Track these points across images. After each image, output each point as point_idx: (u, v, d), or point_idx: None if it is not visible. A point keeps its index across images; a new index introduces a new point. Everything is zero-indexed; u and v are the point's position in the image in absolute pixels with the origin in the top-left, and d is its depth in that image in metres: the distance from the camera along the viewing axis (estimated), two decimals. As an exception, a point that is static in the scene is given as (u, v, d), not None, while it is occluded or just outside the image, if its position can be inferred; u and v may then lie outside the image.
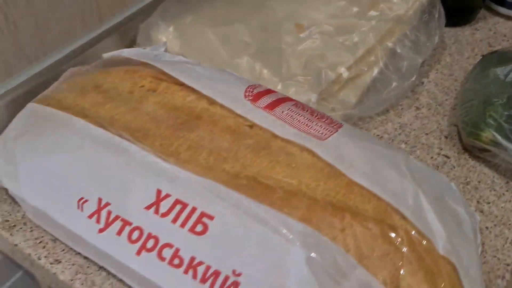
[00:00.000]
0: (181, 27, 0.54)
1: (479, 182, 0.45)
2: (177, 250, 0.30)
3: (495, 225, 0.42)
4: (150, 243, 0.30)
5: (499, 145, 0.44)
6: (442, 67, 0.58)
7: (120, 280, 0.38)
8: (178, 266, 0.29)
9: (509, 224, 0.42)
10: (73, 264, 0.39)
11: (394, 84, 0.50)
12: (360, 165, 0.32)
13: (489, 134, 0.44)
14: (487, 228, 0.42)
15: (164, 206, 0.31)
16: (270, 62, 0.50)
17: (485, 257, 0.40)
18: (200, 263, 0.29)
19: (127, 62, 0.44)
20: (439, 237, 0.29)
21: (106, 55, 0.45)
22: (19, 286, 0.57)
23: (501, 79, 0.47)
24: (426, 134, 0.50)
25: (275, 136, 0.34)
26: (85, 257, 0.39)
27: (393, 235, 0.29)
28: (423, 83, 0.56)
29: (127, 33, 0.58)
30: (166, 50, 0.48)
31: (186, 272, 0.29)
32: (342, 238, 0.28)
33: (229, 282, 0.28)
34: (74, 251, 0.39)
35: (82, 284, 0.38)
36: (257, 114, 0.35)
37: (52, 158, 0.36)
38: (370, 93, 0.51)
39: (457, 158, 0.48)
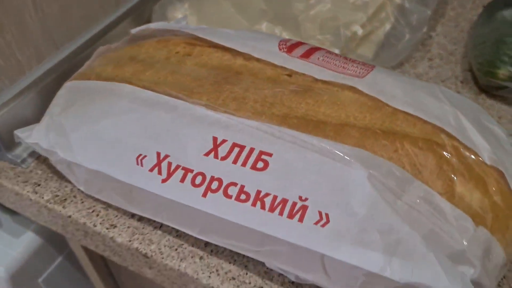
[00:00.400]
0: (196, 3, 0.56)
1: (499, 118, 0.48)
2: (242, 186, 0.32)
3: (520, 153, 0.44)
4: (214, 185, 0.32)
5: (515, 80, 0.46)
6: (447, 20, 0.60)
7: (177, 236, 0.40)
8: (245, 200, 0.31)
9: (533, 151, 0.44)
10: (128, 227, 0.41)
11: (407, 36, 0.53)
12: (401, 95, 0.34)
13: (505, 70, 0.47)
14: None
15: (223, 150, 0.33)
16: (289, 26, 0.52)
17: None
18: (267, 194, 0.31)
19: (155, 34, 0.45)
20: (483, 149, 0.31)
21: (134, 30, 0.46)
22: (60, 272, 0.59)
23: (509, 20, 0.50)
24: (442, 81, 0.53)
25: (315, 80, 0.36)
26: (139, 220, 0.41)
27: (442, 151, 0.31)
28: (431, 36, 0.58)
29: (142, 15, 0.60)
30: (187, 23, 0.50)
31: (254, 204, 0.31)
32: (396, 158, 0.30)
33: (297, 207, 0.30)
34: (128, 215, 0.41)
35: (141, 243, 0.39)
36: (294, 63, 0.37)
37: (103, 123, 0.37)
38: (385, 48, 0.53)
39: (475, 99, 0.50)
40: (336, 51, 0.49)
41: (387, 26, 0.54)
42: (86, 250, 0.56)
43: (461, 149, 0.31)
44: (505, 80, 0.47)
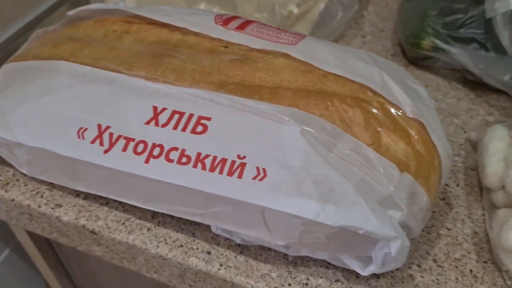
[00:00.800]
0: (135, -14, 0.56)
1: (426, 86, 0.51)
2: (183, 150, 0.33)
3: (445, 116, 0.48)
4: (156, 151, 0.33)
5: (438, 49, 0.50)
6: (377, 0, 0.64)
7: (124, 211, 0.40)
8: (187, 163, 0.32)
9: (456, 114, 0.48)
10: (74, 205, 0.41)
11: (340, 14, 0.55)
12: (331, 59, 0.36)
13: (429, 41, 0.50)
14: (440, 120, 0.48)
15: (163, 118, 0.34)
16: (226, 7, 0.53)
17: (442, 141, 0.45)
18: (207, 156, 0.32)
19: (93, 15, 0.45)
20: (406, 104, 0.34)
21: (71, 12, 0.46)
22: (7, 265, 0.58)
23: (431, -4, 0.53)
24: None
25: (251, 49, 0.38)
26: (85, 198, 0.41)
27: (369, 106, 0.33)
28: (363, 15, 0.62)
29: (80, 1, 0.60)
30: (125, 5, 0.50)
31: (195, 166, 0.32)
32: (327, 114, 0.33)
33: (236, 165, 0.31)
34: (73, 194, 0.41)
35: (87, 220, 0.40)
36: (230, 35, 0.39)
37: (42, 100, 0.37)
38: (320, 26, 0.56)
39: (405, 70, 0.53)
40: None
41: (322, 5, 0.56)
42: (34, 239, 0.55)
43: (386, 105, 0.33)
44: (429, 50, 0.50)
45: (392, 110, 0.33)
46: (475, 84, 0.50)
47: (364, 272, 0.33)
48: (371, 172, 0.31)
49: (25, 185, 0.42)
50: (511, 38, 0.43)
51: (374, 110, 0.33)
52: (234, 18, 0.41)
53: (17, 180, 0.43)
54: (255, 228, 0.33)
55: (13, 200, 0.41)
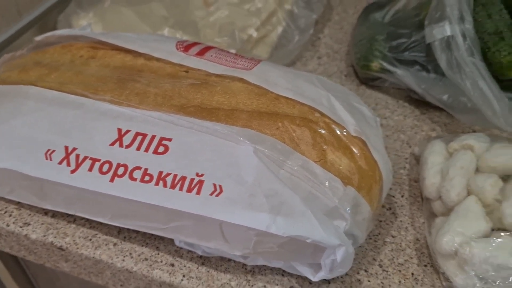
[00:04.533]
0: (101, 12, 0.58)
1: (376, 104, 0.55)
2: (146, 169, 0.35)
3: (393, 132, 0.52)
4: (120, 171, 0.35)
5: (386, 71, 0.54)
6: (333, 23, 0.68)
7: (91, 227, 0.42)
8: (149, 181, 0.35)
9: (403, 130, 0.52)
10: (42, 224, 0.42)
11: (296, 38, 0.59)
12: (283, 83, 0.39)
13: (377, 63, 0.54)
14: (387, 135, 0.52)
15: (127, 139, 0.36)
16: (189, 31, 0.56)
17: (389, 155, 0.49)
18: (168, 174, 0.35)
19: (60, 41, 0.48)
20: (349, 124, 0.37)
21: (38, 38, 0.48)
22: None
23: (379, 21, 0.58)
24: (329, 76, 0.60)
25: (209, 74, 0.41)
26: (53, 216, 0.43)
27: (316, 126, 0.36)
28: (319, 38, 0.66)
29: (46, 25, 0.62)
30: (91, 31, 0.53)
31: (157, 184, 0.34)
32: (278, 134, 0.36)
33: (195, 182, 0.34)
34: (41, 213, 0.43)
35: (55, 237, 0.41)
36: (190, 60, 0.42)
37: (11, 123, 0.39)
38: (278, 48, 0.59)
39: (356, 89, 0.57)
40: (233, 51, 0.54)
41: (279, 29, 0.60)
42: (2, 258, 0.56)
43: (332, 124, 0.37)
44: (378, 72, 0.54)
45: (337, 130, 0.37)
46: (420, 102, 0.55)
47: (315, 278, 0.36)
48: (318, 186, 0.34)
49: (-7, 205, 0.44)
50: (448, 62, 0.48)
51: (321, 130, 0.36)
52: (194, 44, 0.44)
53: (-16, 201, 0.44)
54: (214, 240, 0.35)
55: (-20, 220, 0.43)
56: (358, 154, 0.36)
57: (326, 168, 0.35)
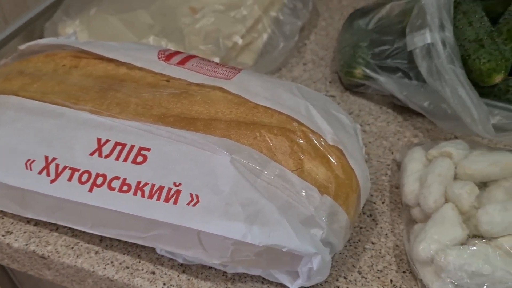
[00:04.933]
0: (87, 20, 0.59)
1: (360, 110, 0.56)
2: (124, 179, 0.35)
3: (375, 139, 0.52)
4: (99, 180, 0.36)
5: (369, 78, 0.54)
6: (319, 30, 0.69)
7: (73, 235, 0.42)
8: (127, 191, 0.35)
9: (385, 137, 0.53)
10: (25, 232, 0.43)
11: (281, 44, 0.60)
12: (262, 92, 0.40)
13: (360, 70, 0.55)
14: (370, 142, 0.52)
15: (106, 149, 0.37)
16: (174, 39, 0.57)
17: (371, 162, 0.50)
18: (146, 184, 0.35)
19: (44, 49, 0.48)
20: (327, 133, 0.38)
21: (22, 46, 0.49)
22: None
23: (363, 28, 0.58)
24: (314, 82, 0.60)
25: (189, 84, 0.41)
26: (36, 224, 0.43)
27: (293, 135, 0.37)
28: (305, 44, 0.66)
29: (33, 33, 0.62)
30: (76, 39, 0.53)
31: (135, 193, 0.35)
32: (255, 143, 0.36)
33: (172, 192, 0.34)
34: (24, 221, 0.43)
35: (37, 246, 0.42)
36: (171, 70, 0.42)
37: (-10, 133, 0.39)
38: (263, 55, 0.60)
39: (341, 96, 0.58)
40: (217, 59, 0.54)
41: (265, 36, 0.61)
42: (-13, 266, 0.56)
43: (309, 134, 0.37)
44: (361, 78, 0.55)
45: (314, 139, 0.37)
46: (403, 109, 0.55)
47: (293, 286, 0.36)
48: (294, 195, 0.35)
49: (-25, 215, 0.44)
50: (429, 69, 0.48)
51: (298, 139, 0.37)
52: (176, 53, 0.44)
53: (-34, 211, 0.44)
54: (192, 248, 0.36)
55: (-37, 229, 0.43)
56: (335, 163, 0.37)
57: (302, 177, 0.36)
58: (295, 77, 0.61)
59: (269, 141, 0.36)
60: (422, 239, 0.37)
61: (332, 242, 0.36)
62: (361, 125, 0.54)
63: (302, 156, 0.36)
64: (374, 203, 0.46)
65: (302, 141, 0.37)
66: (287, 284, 0.37)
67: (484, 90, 0.51)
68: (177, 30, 0.58)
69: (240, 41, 0.59)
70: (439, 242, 0.37)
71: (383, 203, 0.46)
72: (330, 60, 0.63)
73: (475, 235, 0.38)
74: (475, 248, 0.36)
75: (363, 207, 0.45)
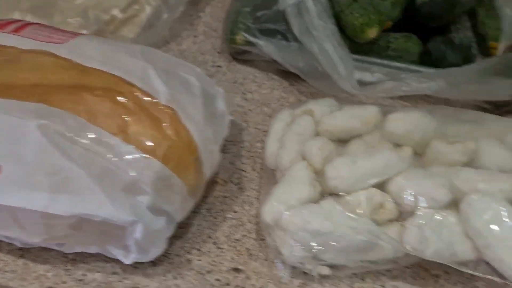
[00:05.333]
0: None
1: (244, 79, 0.53)
2: None
3: (257, 106, 0.50)
4: None
5: (250, 43, 0.51)
6: (216, 2, 0.65)
7: None
8: None
9: (268, 103, 0.50)
10: None
11: (165, 16, 0.57)
12: (96, 56, 0.37)
13: (241, 36, 0.52)
14: (250, 110, 0.49)
15: None
16: (43, 14, 0.53)
17: (249, 130, 0.47)
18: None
19: None
20: (162, 93, 0.35)
21: None
22: None
23: (248, -7, 0.55)
24: (202, 53, 0.57)
25: (22, 51, 0.38)
26: None
27: (119, 96, 0.34)
28: (200, 16, 0.63)
29: None
30: None
31: None
32: (74, 107, 0.33)
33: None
34: None
35: None
36: (4, 38, 0.39)
37: None
38: (147, 29, 0.56)
39: (228, 65, 0.55)
40: (84, 31, 0.51)
41: (148, 9, 0.57)
42: None
43: (139, 94, 0.34)
44: (243, 45, 0.52)
45: (145, 100, 0.34)
46: (289, 74, 0.52)
47: (127, 260, 0.33)
48: (115, 160, 0.32)
49: None
50: (300, 27, 0.46)
51: (125, 100, 0.34)
52: (14, 22, 0.41)
53: None
54: (10, 228, 0.32)
55: None
56: (168, 124, 0.33)
57: (126, 141, 0.32)
58: (183, 49, 0.58)
59: (90, 103, 0.33)
60: (267, 201, 0.35)
61: (167, 210, 0.33)
62: (243, 94, 0.51)
63: (127, 118, 0.33)
64: (244, 170, 0.43)
65: (129, 102, 0.34)
66: (122, 259, 0.34)
67: (364, 47, 0.49)
68: (51, 5, 0.55)
69: (120, 15, 0.55)
70: (286, 203, 0.34)
71: (253, 170, 0.43)
72: (222, 31, 0.60)
73: (330, 193, 0.36)
74: (316, 205, 0.33)
75: (231, 175, 0.43)
